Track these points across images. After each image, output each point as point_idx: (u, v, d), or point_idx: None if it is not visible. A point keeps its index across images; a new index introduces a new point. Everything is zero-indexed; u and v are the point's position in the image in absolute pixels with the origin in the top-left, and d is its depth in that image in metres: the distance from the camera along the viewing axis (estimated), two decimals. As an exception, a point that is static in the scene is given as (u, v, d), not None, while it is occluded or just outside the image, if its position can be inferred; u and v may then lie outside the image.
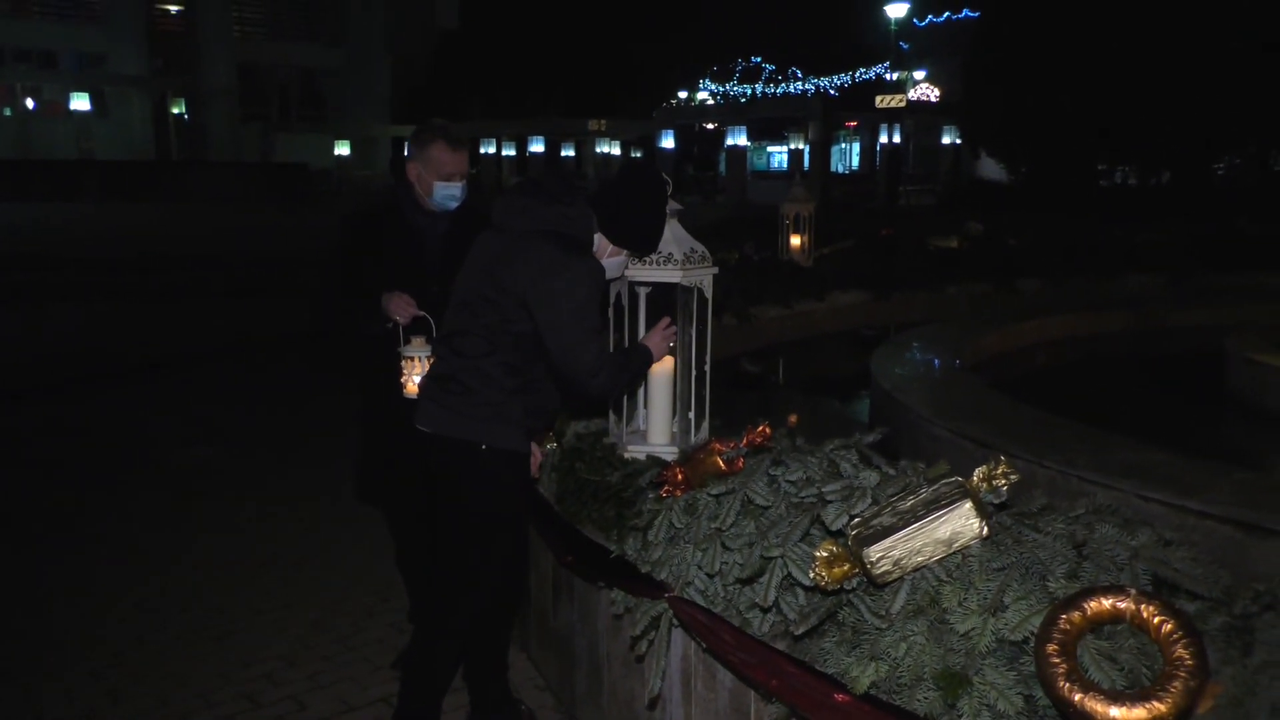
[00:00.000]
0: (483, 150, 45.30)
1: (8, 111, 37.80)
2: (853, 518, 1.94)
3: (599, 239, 2.64)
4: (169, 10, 41.53)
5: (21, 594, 4.05)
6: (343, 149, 41.08)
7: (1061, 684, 1.48)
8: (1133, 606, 1.53)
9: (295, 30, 44.68)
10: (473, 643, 2.92)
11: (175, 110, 40.25)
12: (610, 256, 2.67)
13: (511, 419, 2.60)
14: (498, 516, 2.69)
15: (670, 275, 2.74)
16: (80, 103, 37.57)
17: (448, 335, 2.66)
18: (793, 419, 2.55)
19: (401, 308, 2.96)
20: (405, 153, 3.21)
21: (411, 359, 2.90)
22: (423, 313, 2.93)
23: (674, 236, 2.77)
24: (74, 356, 8.79)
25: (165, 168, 35.69)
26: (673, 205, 2.80)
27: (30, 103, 38.39)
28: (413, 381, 2.86)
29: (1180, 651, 1.47)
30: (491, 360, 2.55)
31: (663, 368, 2.83)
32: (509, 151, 45.84)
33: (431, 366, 2.73)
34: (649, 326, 2.86)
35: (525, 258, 2.50)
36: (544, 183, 2.68)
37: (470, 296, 2.60)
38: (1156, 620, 1.51)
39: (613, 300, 2.87)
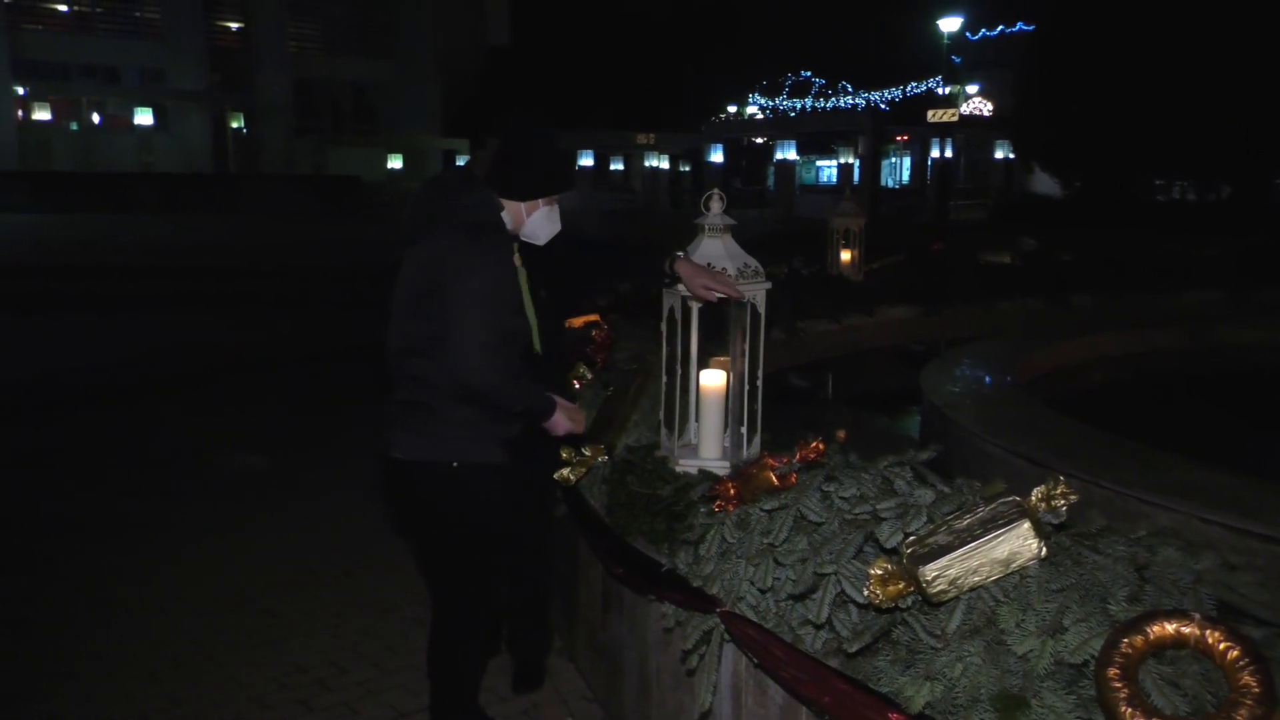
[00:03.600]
0: (532, 163, 45.55)
1: (74, 126, 38.88)
2: (908, 535, 1.92)
3: (511, 208, 2.65)
4: (228, 27, 42.43)
5: (81, 598, 4.14)
6: (395, 162, 41.58)
7: (1123, 709, 1.46)
8: (1196, 631, 1.51)
9: (348, 45, 45.38)
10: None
11: (233, 124, 41.09)
12: (531, 214, 2.68)
13: (479, 432, 2.58)
14: (482, 531, 2.70)
15: (723, 290, 2.74)
16: (143, 117, 38.52)
17: (399, 359, 2.61)
18: (841, 434, 2.54)
19: None
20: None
21: None
22: None
23: (727, 251, 2.78)
24: (131, 364, 8.99)
25: (222, 180, 36.43)
26: (726, 220, 2.81)
27: (96, 117, 39.44)
28: None
29: (1246, 678, 1.44)
30: (441, 376, 2.53)
31: (714, 383, 2.83)
32: (558, 165, 46.10)
33: (394, 393, 2.68)
34: (701, 342, 2.86)
35: (437, 255, 2.52)
36: (439, 180, 2.72)
37: (407, 312, 2.58)
38: (1221, 646, 1.48)
39: (665, 314, 2.88)
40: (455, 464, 2.59)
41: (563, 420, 2.74)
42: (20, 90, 35.87)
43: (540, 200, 2.69)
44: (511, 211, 2.66)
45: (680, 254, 2.75)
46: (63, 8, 38.76)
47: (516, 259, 2.74)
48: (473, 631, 2.84)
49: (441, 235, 2.55)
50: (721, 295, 2.66)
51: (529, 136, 2.73)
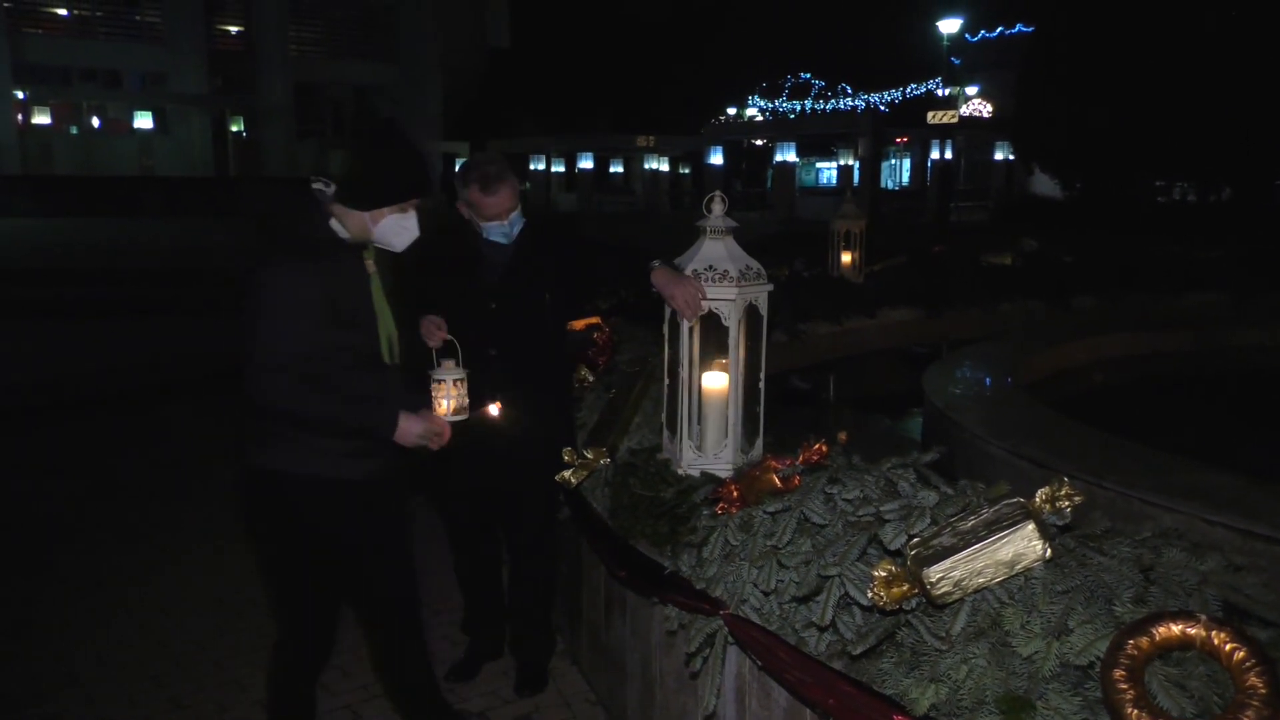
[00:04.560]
0: (532, 166, 45.71)
1: (74, 130, 38.88)
2: (911, 537, 1.92)
3: (354, 217, 2.53)
4: (229, 30, 42.47)
5: (83, 600, 4.15)
6: (395, 165, 41.58)
7: (1129, 711, 1.46)
8: (1203, 632, 1.50)
9: (349, 48, 45.33)
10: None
11: (234, 128, 41.11)
12: (377, 222, 2.55)
13: (316, 445, 2.52)
14: (341, 546, 2.65)
15: (725, 293, 2.74)
16: (143, 121, 38.58)
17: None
18: (843, 436, 2.54)
19: (430, 331, 2.97)
20: (457, 172, 3.27)
21: (440, 382, 2.79)
22: (450, 336, 2.92)
23: (729, 254, 2.77)
24: (133, 368, 8.98)
25: (223, 184, 36.41)
26: (728, 222, 2.81)
27: (96, 121, 39.45)
28: (442, 405, 2.77)
29: (1253, 680, 1.44)
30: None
31: (716, 385, 2.83)
32: (558, 168, 46.16)
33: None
34: (702, 344, 2.85)
35: (253, 273, 2.46)
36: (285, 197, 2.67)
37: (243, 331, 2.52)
38: (1228, 647, 1.48)
39: (667, 316, 2.88)
40: (290, 475, 2.53)
41: (411, 429, 2.57)
42: (20, 94, 35.85)
43: (386, 209, 2.56)
44: (354, 221, 2.55)
45: (657, 262, 2.70)
46: (63, 12, 38.74)
47: (370, 265, 2.64)
48: (402, 642, 2.85)
49: (263, 251, 2.49)
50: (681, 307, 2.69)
51: (371, 144, 2.61)
